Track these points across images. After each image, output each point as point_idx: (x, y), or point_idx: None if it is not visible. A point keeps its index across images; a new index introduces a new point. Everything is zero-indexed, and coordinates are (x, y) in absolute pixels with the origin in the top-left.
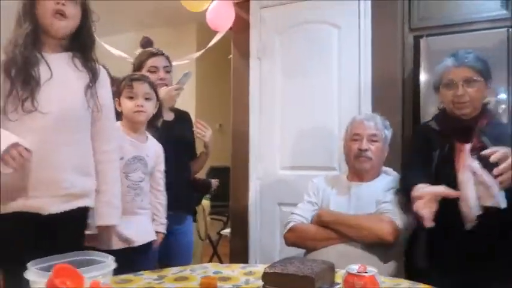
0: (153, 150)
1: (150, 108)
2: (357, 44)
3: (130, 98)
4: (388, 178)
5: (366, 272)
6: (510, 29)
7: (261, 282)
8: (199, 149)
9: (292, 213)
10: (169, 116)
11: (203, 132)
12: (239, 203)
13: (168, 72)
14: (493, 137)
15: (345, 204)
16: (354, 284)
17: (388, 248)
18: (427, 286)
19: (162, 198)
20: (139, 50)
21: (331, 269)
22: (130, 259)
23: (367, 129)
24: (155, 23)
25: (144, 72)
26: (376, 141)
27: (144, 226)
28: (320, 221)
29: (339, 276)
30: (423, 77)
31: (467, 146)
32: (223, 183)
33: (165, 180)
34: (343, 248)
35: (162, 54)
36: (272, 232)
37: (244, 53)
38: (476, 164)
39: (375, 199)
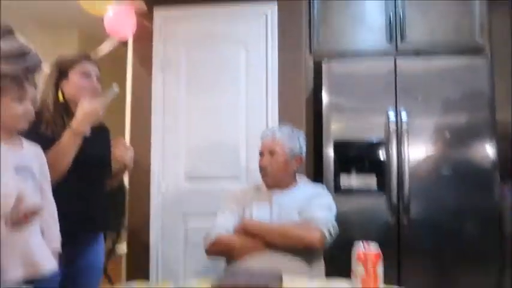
0: (34, 154)
1: None
2: (264, 63)
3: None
4: (308, 186)
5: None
6: (396, 58)
7: None
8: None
9: (213, 225)
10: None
11: (125, 154)
12: (138, 218)
13: (99, 81)
14: None
15: (267, 213)
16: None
17: (312, 252)
18: None
19: (52, 209)
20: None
21: (279, 278)
22: None
23: (266, 145)
24: (31, 27)
25: (74, 76)
26: (276, 155)
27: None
28: (246, 231)
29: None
30: (325, 97)
31: None
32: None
33: (79, 200)
34: (269, 255)
35: (93, 60)
36: (176, 246)
37: (145, 63)
38: None
39: (297, 207)
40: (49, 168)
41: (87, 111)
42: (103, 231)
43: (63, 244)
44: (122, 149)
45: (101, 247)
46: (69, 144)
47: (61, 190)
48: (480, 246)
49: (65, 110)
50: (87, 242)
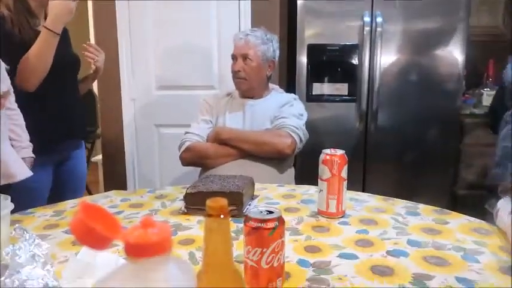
0: None
1: None
2: None
3: None
4: (280, 95)
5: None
6: None
7: (177, 205)
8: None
9: (187, 133)
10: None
11: (96, 56)
12: (111, 127)
13: None
14: None
15: (240, 122)
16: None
17: (283, 160)
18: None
19: (18, 118)
20: None
21: (251, 182)
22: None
23: (239, 49)
24: None
25: None
26: (249, 59)
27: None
28: (219, 139)
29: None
30: None
31: None
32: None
33: (56, 106)
34: (242, 163)
35: None
36: (150, 155)
37: None
38: None
39: (269, 115)
40: (29, 73)
41: (60, 9)
42: (82, 138)
43: (45, 151)
44: (94, 51)
45: (82, 153)
46: (47, 45)
47: (36, 96)
48: (440, 152)
49: (24, 7)
50: (69, 148)
